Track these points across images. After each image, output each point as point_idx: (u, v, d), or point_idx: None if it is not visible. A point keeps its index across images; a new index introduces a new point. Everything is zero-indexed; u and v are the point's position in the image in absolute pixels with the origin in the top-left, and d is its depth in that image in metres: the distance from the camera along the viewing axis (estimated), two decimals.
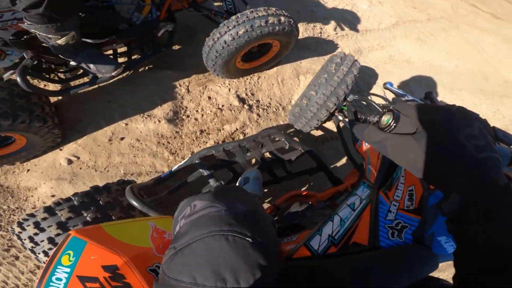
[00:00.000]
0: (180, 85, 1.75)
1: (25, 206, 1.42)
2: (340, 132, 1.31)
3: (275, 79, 1.94)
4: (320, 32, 2.51)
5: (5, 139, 1.31)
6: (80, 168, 1.49)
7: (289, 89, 1.96)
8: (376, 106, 1.26)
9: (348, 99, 1.37)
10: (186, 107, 1.72)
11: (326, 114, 1.39)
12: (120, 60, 1.63)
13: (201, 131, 1.68)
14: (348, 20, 2.86)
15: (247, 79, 1.87)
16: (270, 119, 1.81)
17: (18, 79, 1.21)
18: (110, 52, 1.62)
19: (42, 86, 1.56)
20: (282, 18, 1.39)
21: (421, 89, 2.39)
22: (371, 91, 2.25)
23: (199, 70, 1.81)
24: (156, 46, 1.64)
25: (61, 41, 1.17)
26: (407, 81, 2.42)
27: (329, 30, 2.58)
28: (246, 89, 1.84)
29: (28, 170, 1.47)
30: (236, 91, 1.81)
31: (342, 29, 2.69)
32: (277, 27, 1.37)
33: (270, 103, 1.86)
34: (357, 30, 2.79)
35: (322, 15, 2.71)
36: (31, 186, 1.45)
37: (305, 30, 2.42)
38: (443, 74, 2.62)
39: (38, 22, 1.06)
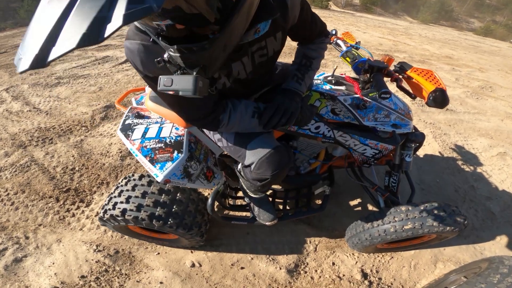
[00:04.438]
0: (310, 242, 1.74)
1: (134, 276, 1.50)
2: None
3: (408, 262, 1.66)
4: (481, 215, 2.06)
5: None
6: (197, 274, 1.51)
7: (419, 274, 1.61)
8: None
9: None
10: (307, 264, 1.63)
11: None
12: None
13: None
14: None
15: (378, 256, 1.68)
16: None
17: (209, 201, 1.37)
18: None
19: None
20: (458, 219, 1.24)
21: None
22: None
23: (332, 234, 1.79)
24: (310, 205, 1.66)
25: None
26: None
27: (493, 212, 2.08)
28: (373, 265, 1.63)
29: (158, 254, 1.60)
30: (362, 265, 1.63)
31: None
32: (448, 227, 1.22)
33: (391, 284, 1.56)
34: None
35: (485, 194, 2.26)
36: (149, 266, 1.55)
37: None
38: None
39: None
